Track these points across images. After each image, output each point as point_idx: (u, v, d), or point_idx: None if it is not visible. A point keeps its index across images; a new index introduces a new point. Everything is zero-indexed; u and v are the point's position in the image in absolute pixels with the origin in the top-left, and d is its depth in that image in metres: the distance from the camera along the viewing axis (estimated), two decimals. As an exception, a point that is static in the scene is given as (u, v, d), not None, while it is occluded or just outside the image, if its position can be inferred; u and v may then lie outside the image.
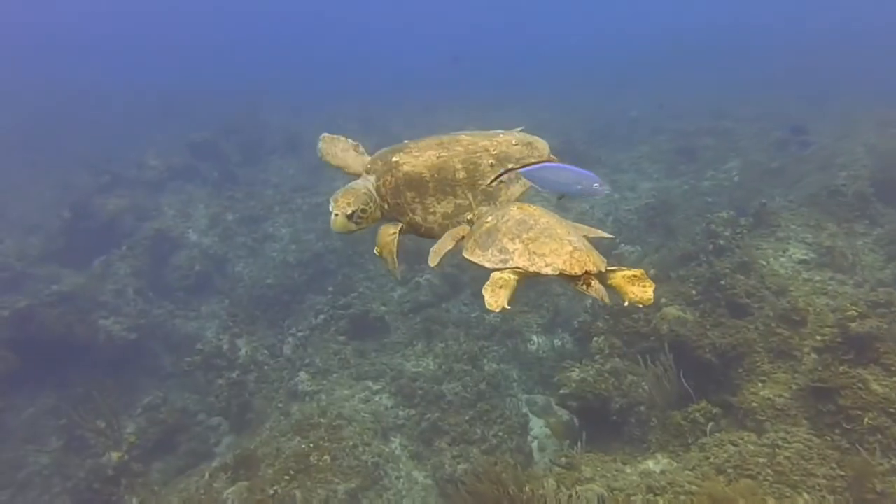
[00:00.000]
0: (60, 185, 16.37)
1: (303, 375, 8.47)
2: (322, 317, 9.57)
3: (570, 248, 2.51)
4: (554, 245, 2.54)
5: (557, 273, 2.49)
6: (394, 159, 2.97)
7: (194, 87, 29.80)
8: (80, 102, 27.71)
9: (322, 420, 7.31)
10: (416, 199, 2.95)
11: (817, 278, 6.60)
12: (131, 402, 8.90)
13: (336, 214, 2.86)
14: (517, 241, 2.59)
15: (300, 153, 18.72)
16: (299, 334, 9.49)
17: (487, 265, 2.60)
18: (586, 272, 2.48)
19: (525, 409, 8.53)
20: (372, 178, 3.02)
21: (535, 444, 8.05)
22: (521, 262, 2.53)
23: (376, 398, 8.12)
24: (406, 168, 2.93)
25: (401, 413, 7.95)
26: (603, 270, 2.53)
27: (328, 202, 2.91)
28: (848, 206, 7.78)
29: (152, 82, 31.08)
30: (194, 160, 17.20)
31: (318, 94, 28.11)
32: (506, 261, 2.56)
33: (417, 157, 2.95)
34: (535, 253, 2.54)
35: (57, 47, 44.02)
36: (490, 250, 2.63)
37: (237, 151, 18.32)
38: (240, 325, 9.86)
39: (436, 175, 2.93)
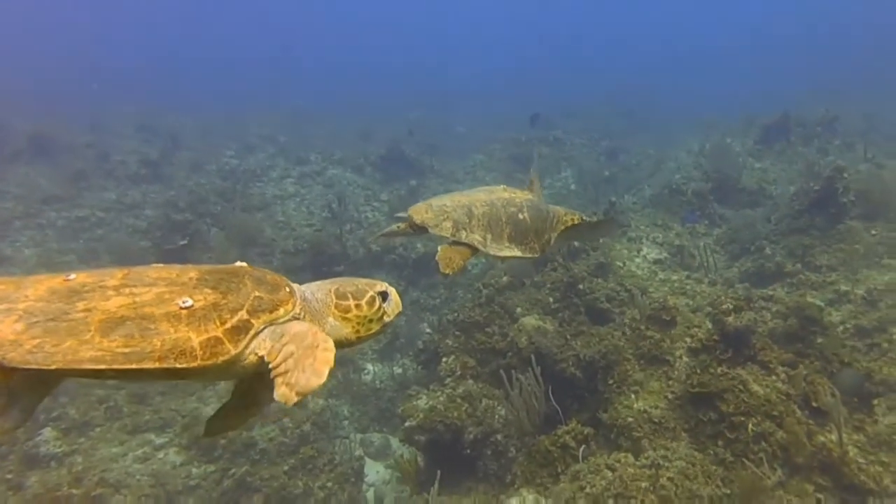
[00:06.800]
0: None
1: (47, 434, 6.50)
2: (84, 353, 7.59)
3: (426, 205, 3.67)
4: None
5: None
6: None
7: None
8: None
9: (75, 490, 5.65)
10: None
11: (674, 278, 6.60)
12: None
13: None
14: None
15: (54, 158, 15.70)
16: (48, 378, 7.40)
17: None
18: (411, 221, 3.60)
19: (359, 452, 7.56)
20: None
21: (370, 494, 7.10)
22: None
23: (160, 455, 6.54)
24: None
25: (195, 471, 6.53)
26: (428, 229, 3.55)
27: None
28: (689, 205, 8.10)
29: None
30: None
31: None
32: None
33: None
34: None
35: None
36: None
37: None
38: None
39: None
